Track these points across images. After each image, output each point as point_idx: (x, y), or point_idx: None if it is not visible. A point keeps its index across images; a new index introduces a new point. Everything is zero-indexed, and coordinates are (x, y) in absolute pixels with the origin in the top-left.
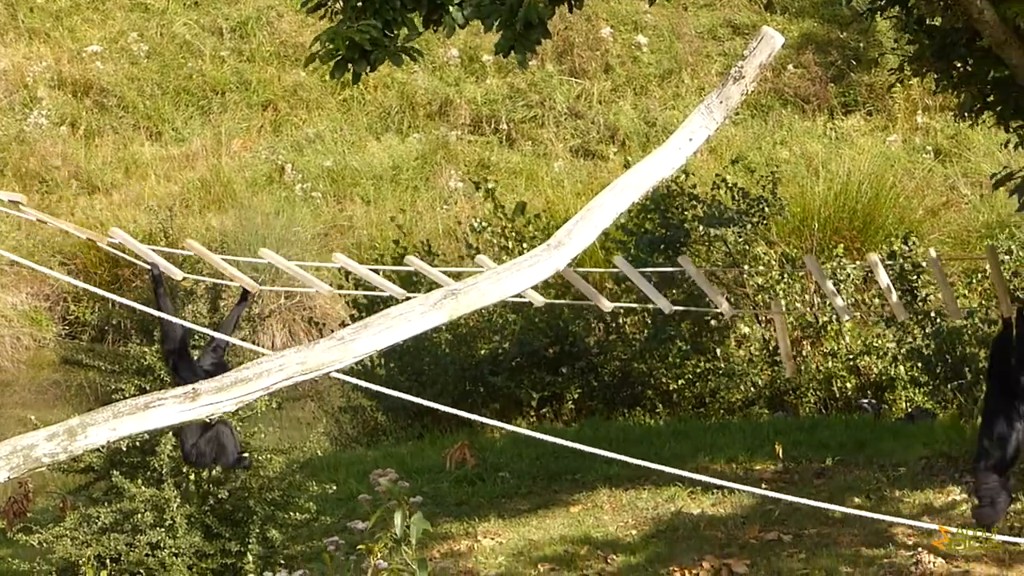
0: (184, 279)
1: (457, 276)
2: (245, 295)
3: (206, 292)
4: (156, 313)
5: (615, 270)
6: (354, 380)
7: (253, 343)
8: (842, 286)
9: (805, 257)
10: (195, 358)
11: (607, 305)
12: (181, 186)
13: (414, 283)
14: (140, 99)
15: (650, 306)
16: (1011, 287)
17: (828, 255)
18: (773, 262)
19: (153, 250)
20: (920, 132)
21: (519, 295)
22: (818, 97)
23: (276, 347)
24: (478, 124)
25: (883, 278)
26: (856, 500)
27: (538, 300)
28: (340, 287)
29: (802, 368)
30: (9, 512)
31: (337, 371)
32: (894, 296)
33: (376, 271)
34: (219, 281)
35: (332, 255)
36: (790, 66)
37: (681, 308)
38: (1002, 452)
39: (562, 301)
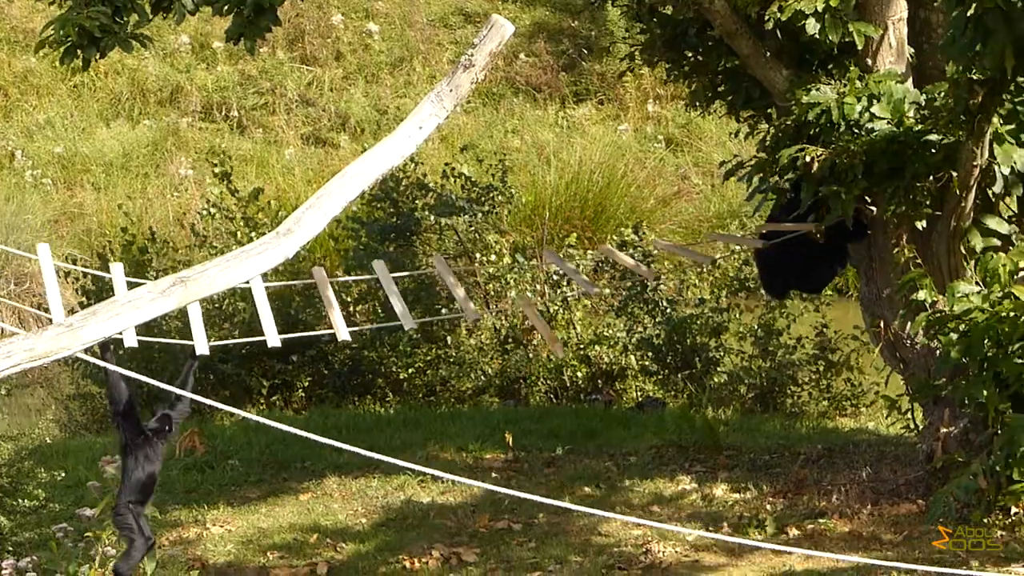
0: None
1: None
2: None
3: None
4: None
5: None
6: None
7: None
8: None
9: (544, 252)
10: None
11: (344, 334)
12: None
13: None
14: None
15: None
16: (741, 276)
17: (560, 244)
18: (505, 251)
19: None
20: (651, 121)
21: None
22: (550, 86)
23: (4, 333)
24: (209, 111)
25: (624, 259)
26: (586, 489)
27: (274, 340)
28: (67, 275)
29: (532, 357)
30: None
31: (66, 358)
32: (643, 268)
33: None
34: None
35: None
36: (522, 55)
37: (423, 320)
38: None
39: (299, 335)
